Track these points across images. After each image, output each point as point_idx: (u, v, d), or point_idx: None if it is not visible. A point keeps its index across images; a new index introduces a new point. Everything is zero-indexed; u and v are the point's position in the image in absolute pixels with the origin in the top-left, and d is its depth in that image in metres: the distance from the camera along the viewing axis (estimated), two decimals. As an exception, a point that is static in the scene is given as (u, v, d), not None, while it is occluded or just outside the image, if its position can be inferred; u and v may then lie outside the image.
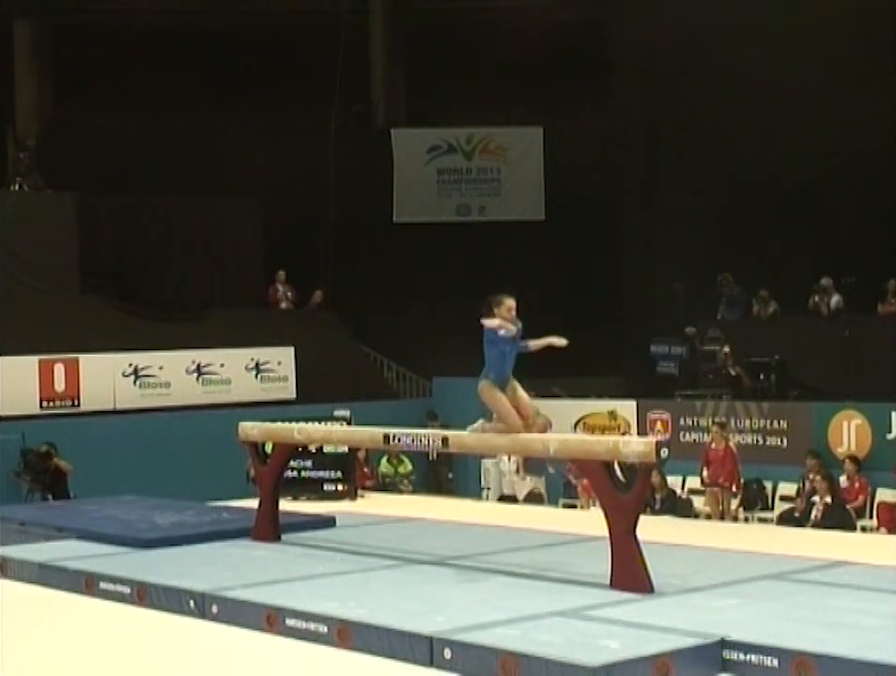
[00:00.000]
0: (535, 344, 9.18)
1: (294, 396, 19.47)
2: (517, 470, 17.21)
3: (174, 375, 18.79)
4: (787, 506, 15.43)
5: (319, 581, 9.13)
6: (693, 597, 8.21)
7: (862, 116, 20.49)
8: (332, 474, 15.13)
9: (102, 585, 9.49)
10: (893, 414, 15.54)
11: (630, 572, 8.42)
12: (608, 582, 8.51)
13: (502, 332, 8.91)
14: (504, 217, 23.78)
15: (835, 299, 18.88)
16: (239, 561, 10.02)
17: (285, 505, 12.35)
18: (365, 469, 16.93)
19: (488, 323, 8.93)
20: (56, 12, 24.38)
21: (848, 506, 14.64)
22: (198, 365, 19.00)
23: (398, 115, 25.44)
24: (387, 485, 17.34)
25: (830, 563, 9.39)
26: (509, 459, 17.05)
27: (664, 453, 8.30)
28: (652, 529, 9.43)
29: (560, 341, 9.12)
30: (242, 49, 24.59)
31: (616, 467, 8.92)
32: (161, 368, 18.69)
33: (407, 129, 25.09)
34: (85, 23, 24.52)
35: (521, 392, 9.19)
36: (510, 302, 9.05)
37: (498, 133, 24.92)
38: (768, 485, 16.18)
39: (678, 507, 14.99)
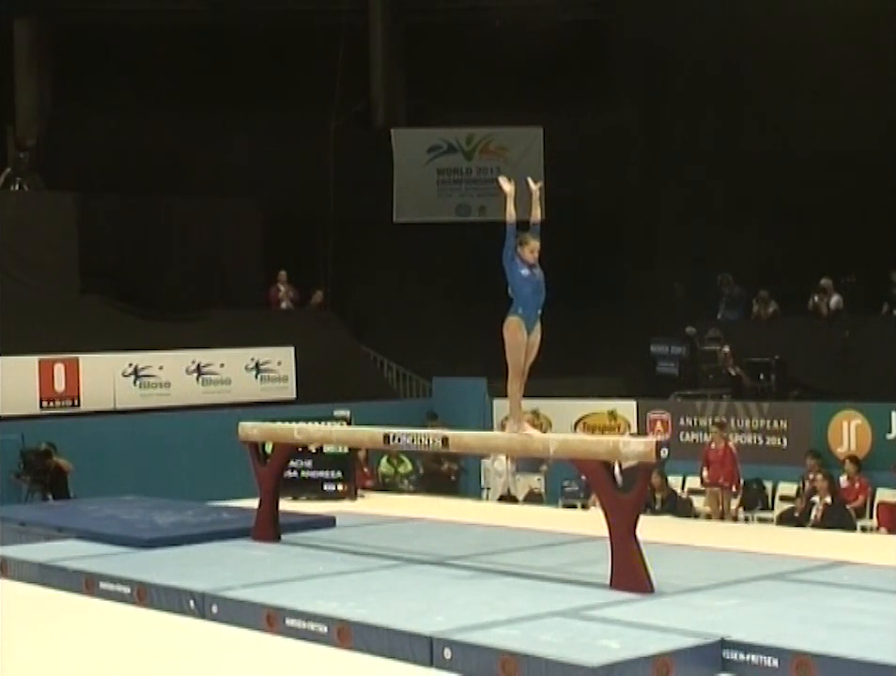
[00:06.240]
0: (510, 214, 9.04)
1: (294, 396, 19.47)
2: (515, 470, 17.26)
3: (174, 375, 18.78)
4: (787, 506, 15.44)
5: (319, 581, 9.12)
6: (693, 597, 8.21)
7: (863, 116, 20.50)
8: (332, 474, 15.12)
9: (102, 585, 9.48)
10: (893, 414, 15.55)
11: (630, 572, 8.41)
12: (608, 582, 8.50)
13: (525, 272, 8.91)
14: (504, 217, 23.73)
15: (835, 299, 18.89)
16: (239, 561, 10.02)
17: (285, 505, 12.34)
18: (365, 469, 16.93)
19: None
20: (56, 12, 24.40)
21: (848, 506, 14.64)
22: (198, 365, 18.99)
23: (398, 115, 25.45)
24: (387, 485, 17.34)
25: (830, 563, 9.39)
26: (507, 459, 17.06)
27: (664, 453, 8.31)
28: (652, 529, 9.42)
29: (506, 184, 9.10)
30: (242, 49, 24.60)
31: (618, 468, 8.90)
32: (161, 368, 18.69)
33: (407, 129, 25.10)
34: (85, 23, 24.55)
35: (537, 341, 9.04)
36: (534, 243, 9.01)
37: (498, 133, 24.92)
38: (768, 485, 16.19)
39: (678, 507, 14.98)
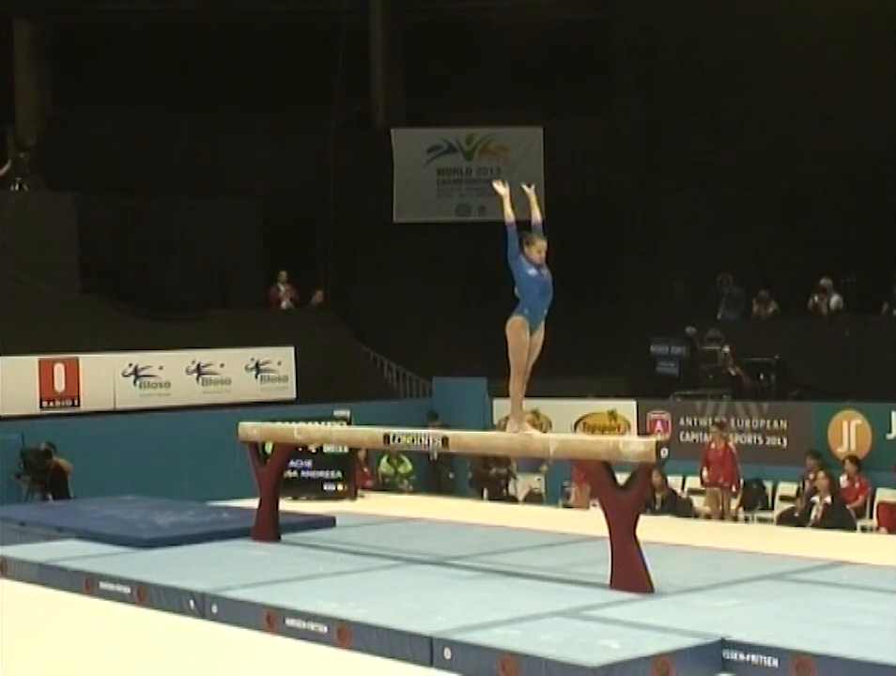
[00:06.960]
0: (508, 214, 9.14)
1: (294, 396, 19.46)
2: (516, 470, 17.26)
3: (174, 375, 18.78)
4: (787, 506, 15.44)
5: (319, 581, 9.13)
6: (693, 597, 8.21)
7: (863, 116, 20.50)
8: (332, 474, 15.14)
9: (102, 585, 9.49)
10: (893, 414, 15.54)
11: (630, 572, 8.42)
12: (608, 582, 8.51)
13: (532, 272, 8.93)
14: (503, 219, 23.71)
15: (835, 299, 18.87)
16: (239, 561, 10.03)
17: (285, 505, 12.35)
18: (365, 469, 16.94)
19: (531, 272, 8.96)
20: (56, 12, 24.39)
21: (848, 506, 14.64)
22: (198, 365, 18.99)
23: (398, 115, 25.45)
24: (387, 485, 17.35)
25: (830, 563, 9.40)
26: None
27: (664, 453, 8.31)
28: (652, 529, 9.43)
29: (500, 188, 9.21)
30: (242, 49, 24.59)
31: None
32: (161, 368, 18.68)
33: (407, 129, 25.08)
34: (85, 23, 24.56)
35: (540, 340, 9.07)
36: (541, 243, 9.07)
37: (498, 133, 24.90)
38: (768, 485, 16.18)
39: (678, 507, 14.99)
